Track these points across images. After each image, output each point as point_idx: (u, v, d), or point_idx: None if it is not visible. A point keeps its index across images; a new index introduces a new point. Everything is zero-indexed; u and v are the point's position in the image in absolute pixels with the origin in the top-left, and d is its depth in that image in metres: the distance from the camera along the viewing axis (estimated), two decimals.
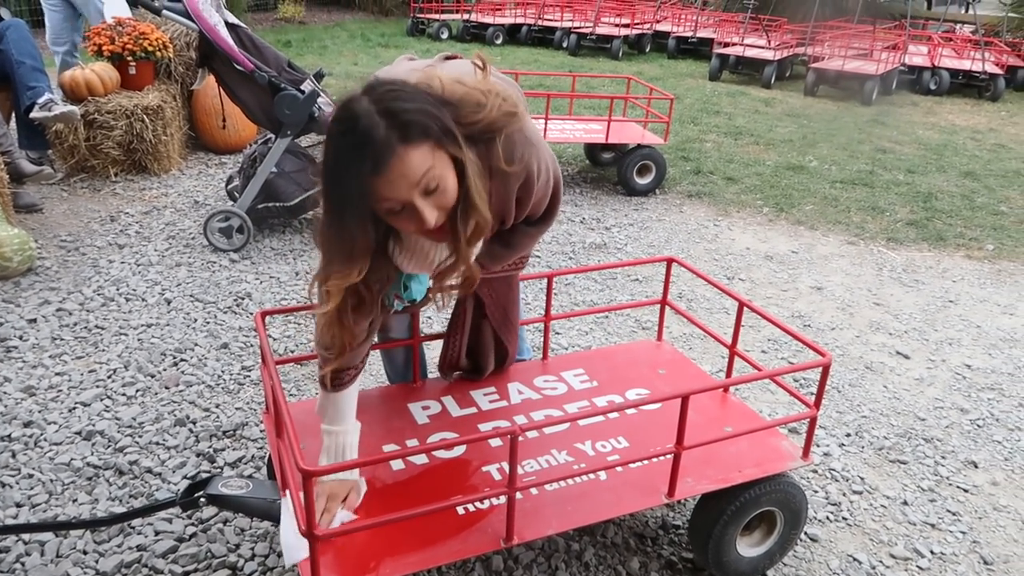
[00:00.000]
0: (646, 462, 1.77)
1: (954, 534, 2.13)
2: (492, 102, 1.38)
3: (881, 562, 2.01)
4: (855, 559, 2.01)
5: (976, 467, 2.43)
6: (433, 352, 2.17)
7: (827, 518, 2.16)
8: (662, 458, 1.75)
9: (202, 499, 1.67)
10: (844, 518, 2.16)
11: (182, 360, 2.72)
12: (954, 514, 2.20)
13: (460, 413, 1.93)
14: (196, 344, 2.82)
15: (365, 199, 1.32)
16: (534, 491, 1.66)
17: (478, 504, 1.62)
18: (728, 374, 2.09)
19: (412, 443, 1.81)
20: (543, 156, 1.55)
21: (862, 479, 2.32)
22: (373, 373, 2.61)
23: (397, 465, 1.74)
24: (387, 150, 1.26)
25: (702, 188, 5.08)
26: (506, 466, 1.69)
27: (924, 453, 2.47)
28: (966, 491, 2.31)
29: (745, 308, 1.99)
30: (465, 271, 1.52)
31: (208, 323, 2.98)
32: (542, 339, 2.25)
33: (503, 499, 1.57)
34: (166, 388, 2.55)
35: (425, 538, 1.52)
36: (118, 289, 3.18)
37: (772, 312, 3.39)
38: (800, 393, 1.85)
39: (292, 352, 2.81)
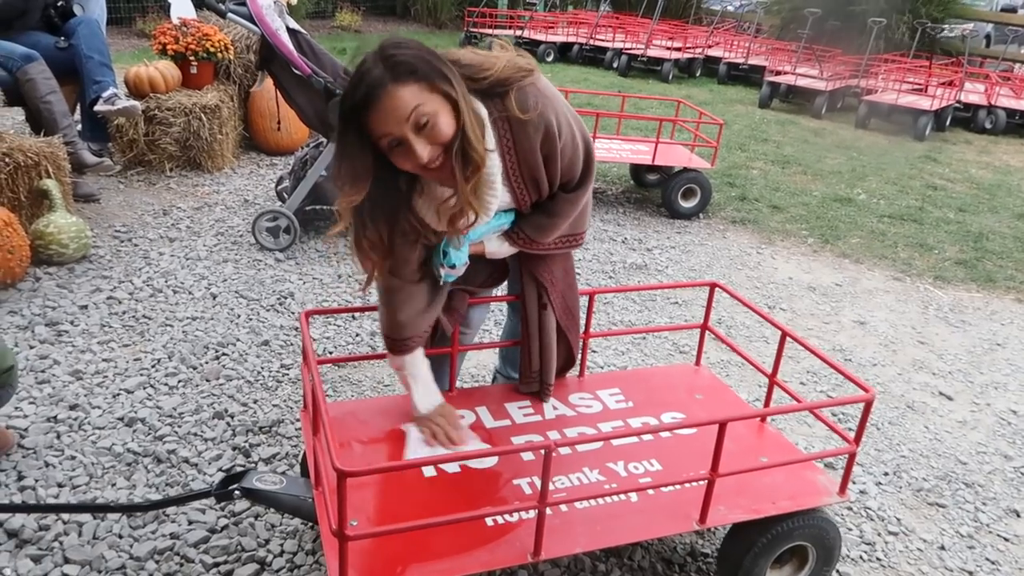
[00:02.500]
0: (678, 487, 1.75)
1: None
2: (501, 61, 1.52)
3: None
4: None
5: (1018, 516, 2.36)
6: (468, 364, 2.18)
7: (860, 557, 2.11)
8: (695, 484, 1.73)
9: (237, 492, 1.70)
10: (878, 559, 2.12)
11: (224, 354, 2.77)
12: (993, 563, 2.14)
13: (494, 424, 1.94)
14: (238, 339, 2.87)
15: (363, 130, 1.45)
16: (564, 508, 1.66)
17: (507, 516, 1.62)
18: (767, 402, 2.07)
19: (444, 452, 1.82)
20: (561, 110, 1.61)
21: (898, 520, 2.27)
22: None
23: (429, 472, 1.75)
24: (378, 87, 1.41)
25: (747, 215, 5.04)
26: (537, 481, 1.70)
27: (964, 498, 2.41)
28: (1007, 540, 2.25)
29: (787, 338, 1.97)
30: (471, 211, 1.58)
31: (251, 320, 3.04)
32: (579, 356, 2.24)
33: (532, 513, 1.57)
34: (207, 381, 2.61)
35: (453, 546, 1.52)
36: (166, 281, 3.26)
37: (813, 344, 3.34)
38: (839, 427, 1.82)
39: (331, 353, 2.85)
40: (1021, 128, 9.15)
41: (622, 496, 1.71)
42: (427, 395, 1.84)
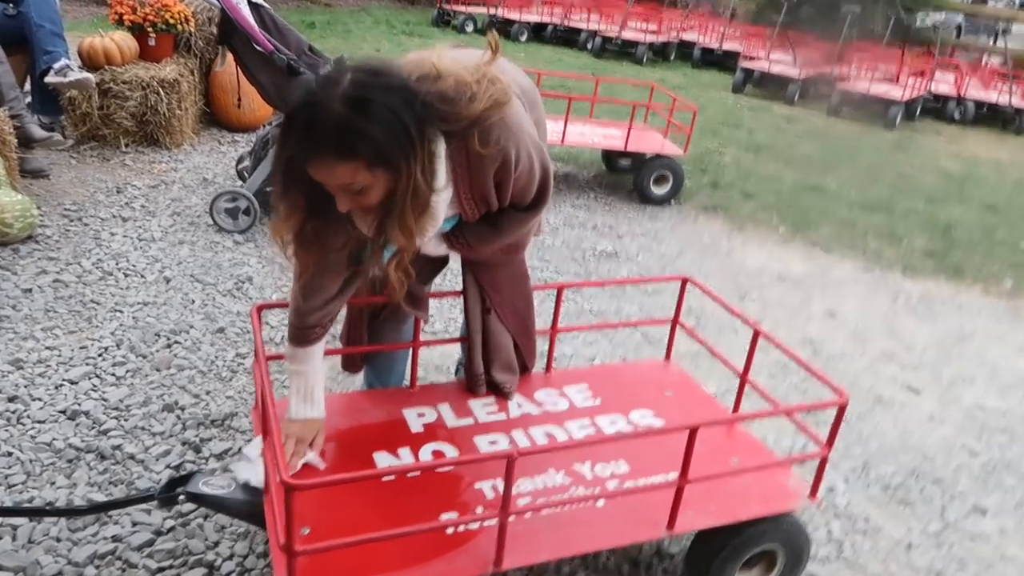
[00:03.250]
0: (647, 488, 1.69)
1: None
2: (480, 101, 1.40)
3: None
4: None
5: (984, 514, 2.34)
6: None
7: (828, 557, 2.08)
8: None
9: (181, 496, 1.61)
10: (846, 558, 2.08)
11: (176, 342, 2.65)
12: (960, 562, 2.12)
13: (456, 423, 1.86)
14: (192, 327, 2.75)
15: (297, 170, 1.38)
16: (528, 514, 1.59)
17: (468, 524, 1.54)
18: (737, 401, 2.01)
19: (404, 451, 1.74)
20: (523, 143, 1.53)
21: (866, 519, 2.24)
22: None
23: (387, 475, 1.66)
24: (317, 150, 1.33)
25: (718, 202, 4.99)
26: (500, 484, 1.62)
27: (931, 495, 2.39)
28: (972, 539, 2.23)
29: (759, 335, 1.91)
30: (387, 265, 1.54)
31: (206, 305, 2.91)
32: (547, 350, 2.17)
33: (494, 520, 1.50)
34: (157, 370, 2.49)
35: (409, 556, 1.45)
36: (117, 263, 3.11)
37: (782, 336, 3.30)
38: (812, 431, 1.77)
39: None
40: (989, 119, 9.24)
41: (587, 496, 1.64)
42: (305, 403, 1.72)
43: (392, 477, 1.64)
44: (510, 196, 1.60)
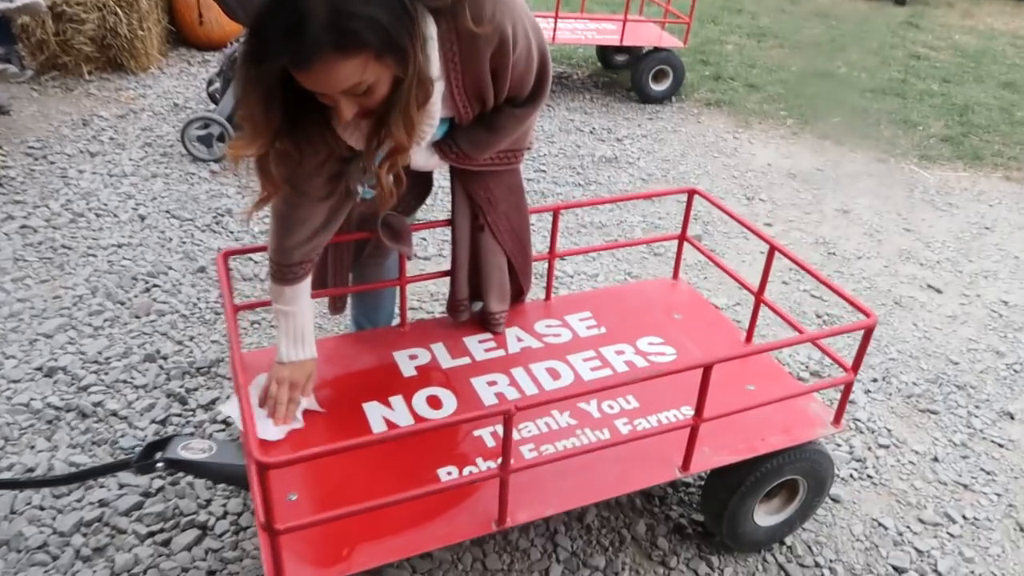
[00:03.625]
0: (658, 425, 1.58)
1: (988, 496, 1.96)
2: None
3: (909, 527, 1.85)
4: (880, 524, 1.85)
5: (1012, 419, 2.24)
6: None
7: (851, 476, 1.99)
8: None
9: (159, 463, 1.50)
10: (869, 476, 1.99)
11: (155, 286, 2.50)
12: (988, 473, 2.03)
13: (451, 364, 1.73)
14: (171, 267, 2.60)
15: (276, 86, 1.17)
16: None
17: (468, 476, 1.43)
18: (752, 324, 1.87)
19: (396, 400, 1.61)
20: (519, 18, 1.33)
21: (889, 431, 2.14)
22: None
23: (378, 425, 1.55)
24: (316, 51, 1.10)
25: (722, 96, 4.72)
26: (500, 430, 1.50)
27: (956, 402, 2.29)
28: (1001, 446, 2.13)
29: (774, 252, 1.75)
30: (379, 170, 1.35)
31: (184, 243, 2.75)
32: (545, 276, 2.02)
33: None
34: (136, 317, 2.36)
35: (405, 517, 1.34)
36: (88, 204, 2.93)
37: (795, 238, 3.14)
38: (838, 356, 1.63)
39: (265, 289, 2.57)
40: None
41: (593, 437, 1.53)
42: (296, 344, 1.57)
43: (384, 427, 1.52)
44: (507, 87, 1.40)
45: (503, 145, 1.54)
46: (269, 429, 1.50)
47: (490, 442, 1.52)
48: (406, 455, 1.48)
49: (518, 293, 1.87)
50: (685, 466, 1.48)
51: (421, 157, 1.52)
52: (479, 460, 1.48)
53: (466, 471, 1.45)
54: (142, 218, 2.88)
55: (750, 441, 1.55)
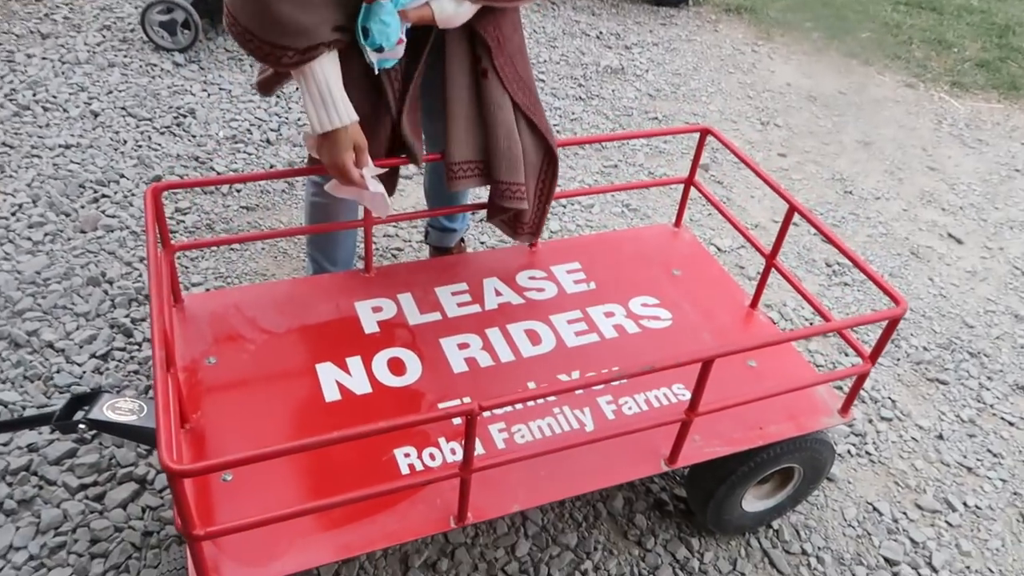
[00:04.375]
0: (644, 403, 1.41)
1: (992, 482, 1.83)
2: None
3: (905, 514, 1.72)
4: (875, 508, 1.72)
5: None
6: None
7: (848, 452, 1.85)
8: (667, 409, 1.38)
9: (81, 424, 1.32)
10: (868, 453, 1.85)
11: (104, 196, 2.27)
12: (995, 455, 1.89)
13: (420, 320, 1.54)
14: (123, 175, 2.36)
15: None
16: (501, 444, 1.31)
17: (427, 462, 1.27)
18: (759, 286, 1.67)
19: (354, 362, 1.43)
20: None
21: (893, 402, 1.99)
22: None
23: (331, 392, 1.37)
24: None
25: (742, 2, 4.33)
26: (468, 401, 1.33)
27: (968, 372, 2.12)
28: (1012, 424, 1.99)
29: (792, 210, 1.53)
30: None
31: (140, 147, 2.49)
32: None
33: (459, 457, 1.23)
34: (82, 232, 2.14)
35: (354, 511, 1.18)
36: (35, 94, 2.65)
37: (810, 172, 2.90)
38: (859, 344, 1.43)
39: (211, 224, 2.31)
40: None
41: (572, 418, 1.37)
42: (346, 105, 1.26)
43: (338, 396, 1.35)
44: None
45: None
46: (378, 185, 1.36)
47: (456, 419, 1.35)
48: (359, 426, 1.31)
49: (551, 164, 1.49)
50: (672, 459, 1.31)
51: (447, 5, 1.25)
52: (441, 441, 1.31)
53: (426, 453, 1.29)
54: (95, 115, 2.60)
55: (747, 430, 1.39)
